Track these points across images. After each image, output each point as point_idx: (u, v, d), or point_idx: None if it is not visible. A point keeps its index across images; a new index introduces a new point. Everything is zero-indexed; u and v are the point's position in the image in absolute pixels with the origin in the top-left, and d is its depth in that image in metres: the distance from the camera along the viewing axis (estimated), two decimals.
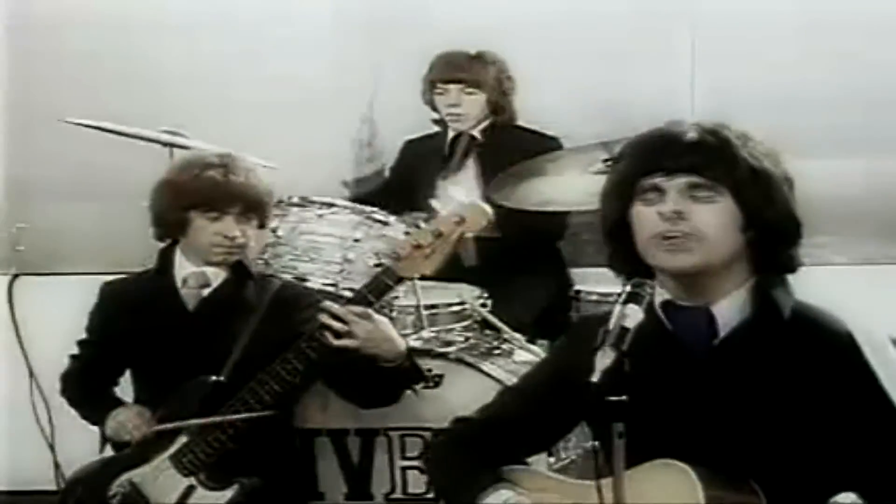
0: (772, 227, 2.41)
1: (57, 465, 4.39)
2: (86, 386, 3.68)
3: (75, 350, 3.70)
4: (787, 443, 2.37)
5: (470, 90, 4.65)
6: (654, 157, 2.42)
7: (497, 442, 2.66)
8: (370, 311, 3.31)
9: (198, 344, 3.46)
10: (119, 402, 3.60)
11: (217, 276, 3.53)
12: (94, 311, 3.66)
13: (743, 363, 2.41)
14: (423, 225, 3.30)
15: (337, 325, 3.29)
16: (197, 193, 3.44)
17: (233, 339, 3.47)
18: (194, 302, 3.53)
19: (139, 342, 3.54)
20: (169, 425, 3.40)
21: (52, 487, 4.32)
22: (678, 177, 2.38)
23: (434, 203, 3.23)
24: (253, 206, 3.48)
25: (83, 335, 3.69)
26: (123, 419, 3.48)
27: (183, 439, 3.40)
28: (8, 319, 4.45)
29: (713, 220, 2.38)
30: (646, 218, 2.41)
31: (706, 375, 2.42)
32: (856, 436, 2.36)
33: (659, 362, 2.42)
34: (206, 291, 3.53)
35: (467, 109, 4.67)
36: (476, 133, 4.71)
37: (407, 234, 3.54)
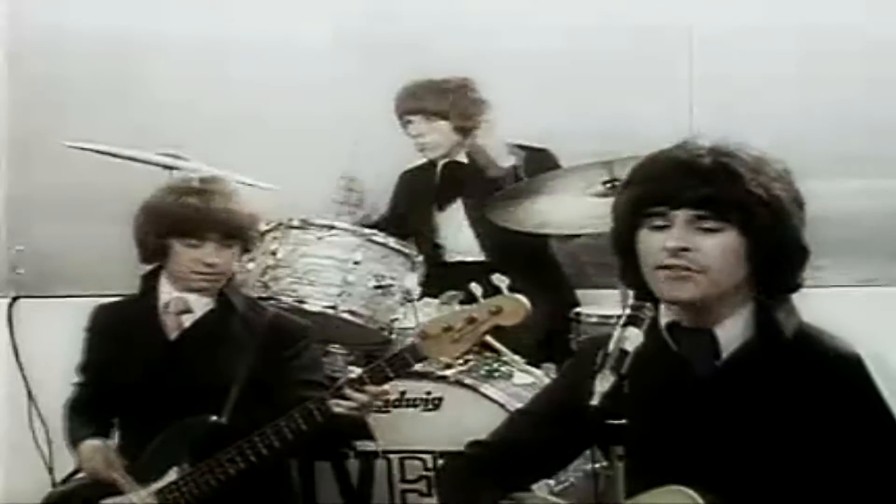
0: (777, 251, 2.40)
1: (55, 487, 4.37)
2: (81, 414, 3.61)
3: (77, 377, 3.66)
4: (790, 465, 2.36)
5: (433, 118, 4.60)
6: (664, 185, 2.39)
7: (508, 466, 2.63)
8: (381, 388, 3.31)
9: (178, 375, 3.44)
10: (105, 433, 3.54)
11: (200, 302, 3.51)
12: (85, 335, 3.63)
13: (746, 384, 2.40)
14: (456, 307, 3.21)
15: (350, 405, 3.28)
16: (175, 220, 3.43)
17: (216, 372, 3.43)
18: (176, 329, 3.51)
19: (121, 369, 3.50)
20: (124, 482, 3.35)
21: None
22: (686, 209, 2.37)
23: (473, 286, 3.18)
24: (233, 233, 3.46)
25: (81, 362, 3.65)
26: (91, 459, 3.41)
27: (172, 476, 3.36)
28: (7, 341, 4.44)
29: (718, 251, 2.36)
30: (651, 246, 2.40)
31: (709, 397, 2.42)
32: (861, 459, 2.35)
33: (665, 384, 2.42)
34: (186, 319, 3.51)
35: (432, 138, 4.62)
36: (462, 158, 4.67)
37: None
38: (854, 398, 2.34)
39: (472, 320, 3.19)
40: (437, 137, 4.63)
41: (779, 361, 2.40)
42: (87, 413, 3.60)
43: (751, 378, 2.40)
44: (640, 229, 2.42)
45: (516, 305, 3.18)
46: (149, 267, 3.59)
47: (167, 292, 3.52)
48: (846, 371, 2.36)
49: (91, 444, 3.45)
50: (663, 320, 2.46)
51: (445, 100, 4.59)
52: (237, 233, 3.47)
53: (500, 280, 3.11)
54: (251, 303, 3.61)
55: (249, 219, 3.51)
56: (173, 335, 3.50)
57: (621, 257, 2.48)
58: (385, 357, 3.35)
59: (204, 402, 3.39)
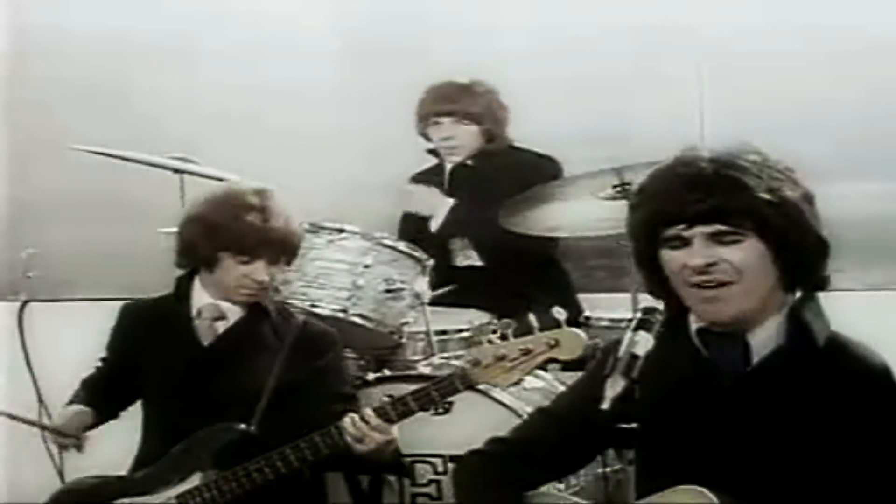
0: (798, 250, 2.41)
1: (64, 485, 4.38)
2: (98, 398, 3.63)
3: (98, 363, 3.69)
4: (814, 473, 2.37)
5: (465, 121, 4.61)
6: (673, 205, 2.40)
7: (526, 463, 2.66)
8: (388, 426, 3.27)
9: (210, 381, 3.44)
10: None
11: (232, 308, 3.51)
12: (112, 331, 3.65)
13: (774, 390, 2.41)
14: (511, 337, 3.17)
15: (355, 434, 3.27)
16: (234, 236, 3.41)
17: (247, 379, 3.43)
18: (209, 336, 3.51)
19: (150, 369, 3.51)
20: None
21: None
22: (700, 226, 2.38)
23: (531, 318, 3.15)
24: (287, 252, 3.48)
25: (103, 353, 3.67)
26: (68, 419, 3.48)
27: (196, 480, 3.35)
28: (18, 345, 4.45)
29: (744, 259, 2.38)
30: (676, 266, 2.41)
31: (737, 402, 2.43)
32: (886, 467, 2.36)
33: (694, 389, 2.43)
34: (219, 325, 3.51)
35: (462, 141, 4.64)
36: (470, 161, 4.67)
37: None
38: (881, 407, 2.35)
39: (527, 351, 3.11)
40: (466, 140, 4.63)
41: (809, 369, 2.40)
42: (108, 401, 3.62)
43: (780, 384, 2.41)
44: (661, 249, 2.43)
45: (574, 339, 3.11)
46: (182, 271, 3.59)
47: (199, 298, 3.52)
48: (874, 380, 2.37)
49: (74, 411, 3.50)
50: (694, 325, 2.47)
51: (479, 102, 4.60)
52: (290, 251, 3.49)
53: (559, 313, 3.07)
54: (281, 309, 3.61)
55: (299, 236, 3.52)
56: (207, 341, 3.51)
57: (647, 273, 2.50)
58: (433, 381, 3.31)
59: (234, 410, 3.39)
